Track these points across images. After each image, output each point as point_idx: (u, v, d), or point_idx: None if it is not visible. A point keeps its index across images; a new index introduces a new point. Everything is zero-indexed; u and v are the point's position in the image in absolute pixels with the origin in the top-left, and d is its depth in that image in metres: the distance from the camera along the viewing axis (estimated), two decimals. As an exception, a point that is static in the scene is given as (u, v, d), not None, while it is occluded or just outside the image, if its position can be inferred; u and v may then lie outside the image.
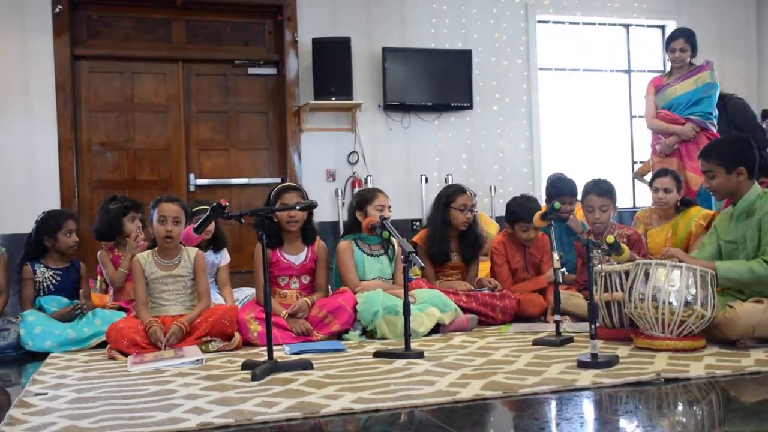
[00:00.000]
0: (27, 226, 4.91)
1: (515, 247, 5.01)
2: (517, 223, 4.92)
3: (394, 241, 4.47)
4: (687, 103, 5.72)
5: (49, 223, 4.79)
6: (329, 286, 4.67)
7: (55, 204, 6.45)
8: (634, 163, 8.51)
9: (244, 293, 5.07)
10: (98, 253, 4.89)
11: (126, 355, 3.83)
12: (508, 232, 5.05)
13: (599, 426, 2.46)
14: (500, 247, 5.01)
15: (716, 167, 3.84)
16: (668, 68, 6.22)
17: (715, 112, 5.80)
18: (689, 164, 5.65)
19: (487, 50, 7.86)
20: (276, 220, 4.38)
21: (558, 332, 3.88)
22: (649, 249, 4.90)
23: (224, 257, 4.84)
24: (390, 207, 4.66)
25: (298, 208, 4.04)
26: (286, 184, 4.69)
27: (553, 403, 2.70)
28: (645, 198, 7.94)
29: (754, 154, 3.85)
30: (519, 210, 4.92)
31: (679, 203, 4.98)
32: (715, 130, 5.71)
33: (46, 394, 3.04)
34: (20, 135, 6.66)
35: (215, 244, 4.83)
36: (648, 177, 5.78)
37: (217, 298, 4.67)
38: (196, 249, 4.28)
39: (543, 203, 5.71)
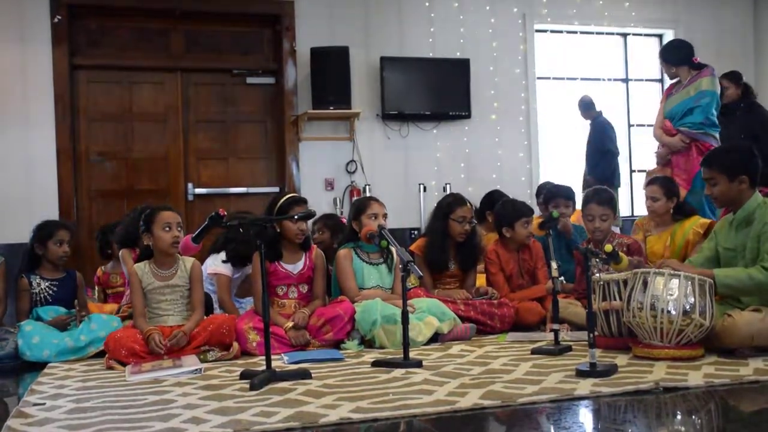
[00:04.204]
0: (25, 236, 4.91)
1: (508, 254, 5.02)
2: (517, 221, 4.91)
3: (393, 250, 4.48)
4: (681, 113, 5.67)
5: (41, 232, 4.80)
6: (327, 295, 4.67)
7: (53, 214, 6.45)
8: (632, 172, 8.53)
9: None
10: (120, 252, 4.87)
11: (124, 364, 3.83)
12: (501, 239, 5.06)
13: (598, 435, 2.46)
14: (493, 256, 5.02)
15: (718, 175, 3.84)
16: (666, 77, 6.22)
17: (711, 121, 5.63)
18: (678, 176, 5.60)
19: (485, 59, 7.88)
20: (278, 230, 4.37)
21: (557, 341, 3.88)
22: (647, 256, 4.91)
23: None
24: (386, 215, 4.64)
25: (296, 217, 4.04)
26: (296, 195, 4.65)
27: (552, 413, 2.70)
28: (643, 207, 7.95)
29: (756, 163, 3.84)
30: (513, 208, 4.96)
31: (673, 210, 4.98)
32: (711, 141, 5.56)
33: (44, 404, 3.04)
34: (19, 144, 6.66)
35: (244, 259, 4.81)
36: None
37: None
38: (193, 258, 4.27)
39: (538, 212, 5.74)
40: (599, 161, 7.24)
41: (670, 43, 6.00)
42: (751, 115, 6.49)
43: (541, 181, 7.78)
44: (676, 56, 5.75)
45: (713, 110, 5.60)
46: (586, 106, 7.51)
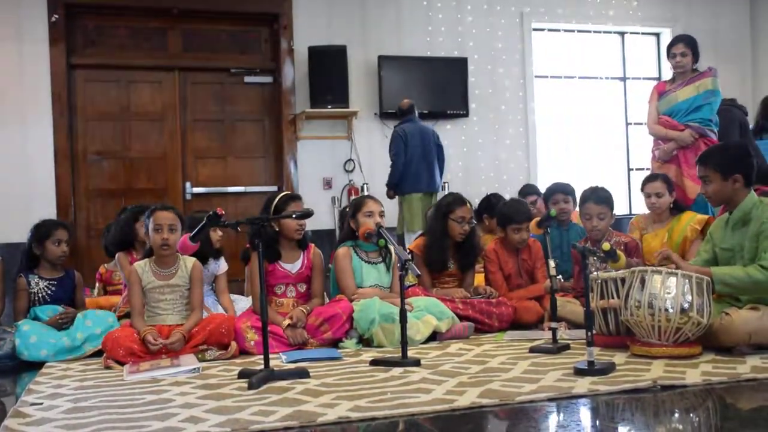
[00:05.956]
0: (23, 235, 4.90)
1: (508, 253, 5.02)
2: (509, 225, 4.93)
3: (391, 248, 4.48)
4: (687, 109, 5.68)
5: (39, 231, 4.78)
6: (326, 294, 4.67)
7: (51, 213, 6.45)
8: (630, 170, 8.54)
9: (238, 305, 5.04)
10: (116, 256, 4.87)
11: (122, 364, 3.82)
12: (501, 238, 5.06)
13: (596, 433, 2.46)
14: (492, 255, 5.02)
15: (712, 173, 3.83)
16: (664, 75, 6.20)
17: (716, 119, 5.73)
18: (687, 171, 5.62)
19: (483, 58, 7.89)
20: (277, 229, 4.37)
21: (555, 339, 3.88)
22: (644, 254, 4.91)
23: (222, 265, 4.84)
24: (382, 213, 4.63)
25: (294, 216, 4.04)
26: (290, 193, 4.66)
27: (550, 411, 2.70)
28: (641, 205, 7.95)
29: (751, 162, 3.83)
30: (509, 211, 4.95)
31: (672, 206, 5.00)
32: (714, 138, 5.64)
33: (41, 404, 3.03)
34: (16, 144, 6.66)
35: (215, 253, 4.82)
36: None
37: (218, 309, 4.66)
38: (194, 259, 4.26)
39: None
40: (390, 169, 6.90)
41: (692, 37, 5.95)
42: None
43: (539, 179, 7.81)
44: (698, 52, 5.80)
45: (716, 111, 5.70)
46: (400, 113, 6.96)
